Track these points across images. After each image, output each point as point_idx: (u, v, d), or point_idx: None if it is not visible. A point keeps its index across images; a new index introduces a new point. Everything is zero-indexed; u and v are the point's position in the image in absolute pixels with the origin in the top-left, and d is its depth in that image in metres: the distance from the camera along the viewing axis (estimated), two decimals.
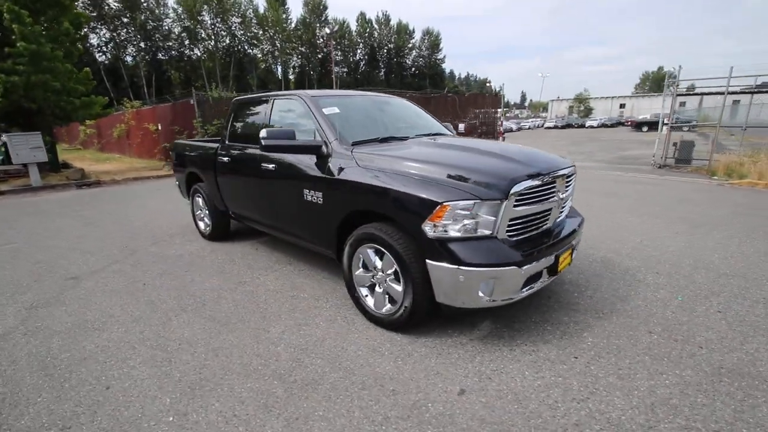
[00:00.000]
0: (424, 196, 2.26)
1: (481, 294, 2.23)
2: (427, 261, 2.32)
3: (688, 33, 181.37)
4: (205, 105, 13.83)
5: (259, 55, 59.14)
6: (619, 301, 3.03)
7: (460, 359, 2.36)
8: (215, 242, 4.87)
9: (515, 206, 2.29)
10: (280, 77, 61.53)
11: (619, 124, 47.29)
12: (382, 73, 70.41)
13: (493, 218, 2.22)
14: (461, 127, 16.21)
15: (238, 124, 4.08)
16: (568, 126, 49.53)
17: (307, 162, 3.06)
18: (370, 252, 2.67)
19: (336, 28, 60.65)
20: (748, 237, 4.47)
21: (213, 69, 50.55)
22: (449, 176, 2.32)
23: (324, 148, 2.93)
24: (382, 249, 2.55)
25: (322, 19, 61.42)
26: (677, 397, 2.01)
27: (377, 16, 69.27)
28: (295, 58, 63.42)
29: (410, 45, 73.00)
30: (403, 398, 2.04)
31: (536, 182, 2.39)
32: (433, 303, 2.44)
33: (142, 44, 47.21)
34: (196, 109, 13.52)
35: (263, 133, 2.90)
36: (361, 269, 2.81)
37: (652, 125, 33.60)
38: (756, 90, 11.70)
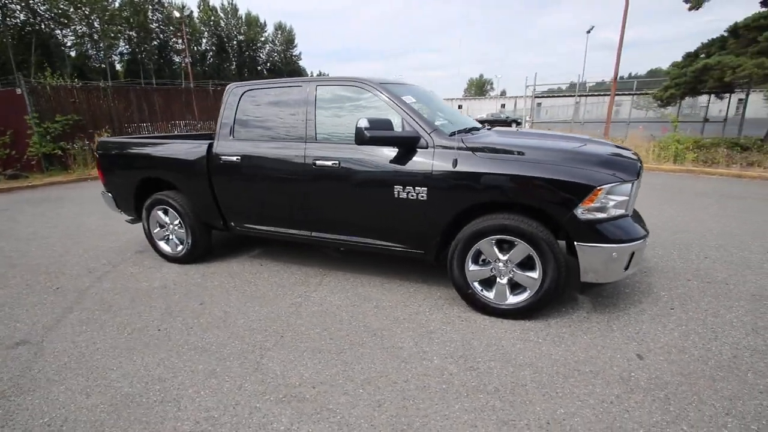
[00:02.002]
0: (579, 181, 2.35)
1: (624, 268, 2.46)
2: (577, 243, 2.42)
3: (499, 45, 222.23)
4: (41, 96, 10.52)
5: (72, 38, 47.51)
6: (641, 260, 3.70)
7: (601, 331, 2.55)
8: (191, 264, 3.90)
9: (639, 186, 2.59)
10: (103, 65, 50.69)
11: None
12: (233, 66, 65.11)
13: (628, 198, 2.47)
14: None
15: (253, 116, 3.33)
16: None
17: (389, 156, 2.76)
18: (492, 244, 2.62)
19: (189, 12, 53.18)
20: (661, 204, 5.93)
21: (5, 52, 38.28)
22: (585, 162, 2.46)
23: (422, 140, 2.70)
24: (512, 239, 2.54)
25: (155, 1, 52.98)
26: (759, 319, 2.63)
27: (222, 4, 63.30)
28: (122, 44, 53.19)
29: (263, 39, 69.41)
30: (607, 376, 2.12)
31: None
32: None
33: None
34: (27, 102, 10.19)
35: (364, 122, 2.49)
36: (474, 265, 2.73)
37: (491, 123, 40.24)
38: (589, 93, 15.31)
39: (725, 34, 10.15)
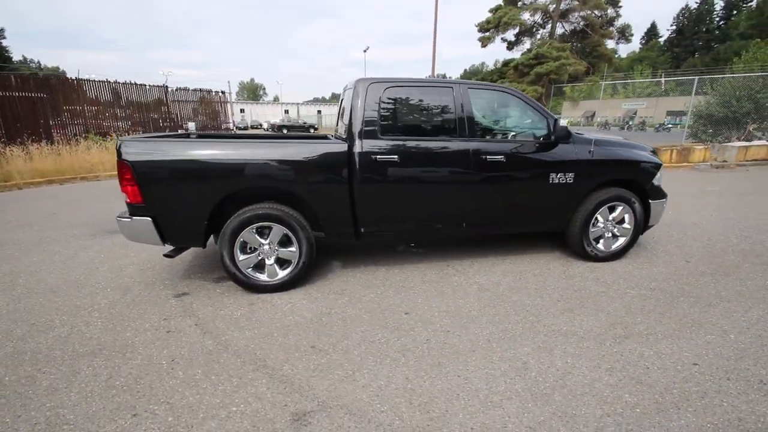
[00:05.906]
0: (658, 161, 3.76)
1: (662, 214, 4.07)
2: (651, 201, 3.83)
3: (259, 52, 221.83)
4: None
5: None
6: None
7: (657, 255, 4.05)
8: (293, 290, 3.30)
9: None
10: None
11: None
12: None
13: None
14: (192, 126, 14.14)
15: (400, 114, 3.19)
16: None
17: (548, 148, 3.46)
18: (607, 211, 3.75)
19: None
20: None
21: None
22: (650, 150, 3.91)
23: (570, 137, 3.52)
24: (616, 204, 3.73)
25: None
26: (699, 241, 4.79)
27: None
28: None
29: None
30: (697, 273, 3.60)
31: None
32: None
33: None
34: None
35: (564, 122, 3.12)
36: (592, 228, 3.78)
37: (289, 128, 40.81)
38: None
39: (501, 66, 14.69)
